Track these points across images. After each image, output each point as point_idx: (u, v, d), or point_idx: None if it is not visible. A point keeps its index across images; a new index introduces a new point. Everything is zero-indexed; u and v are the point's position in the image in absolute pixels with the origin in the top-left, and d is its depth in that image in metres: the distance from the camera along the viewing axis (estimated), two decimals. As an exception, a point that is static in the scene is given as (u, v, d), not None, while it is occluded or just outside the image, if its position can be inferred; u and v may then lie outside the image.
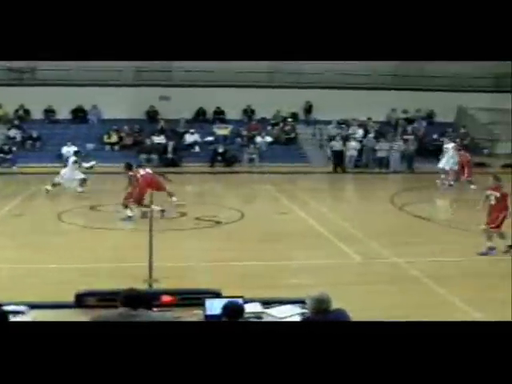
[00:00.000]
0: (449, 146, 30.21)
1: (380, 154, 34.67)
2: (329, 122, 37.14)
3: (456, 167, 28.76)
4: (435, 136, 37.77)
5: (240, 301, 7.33)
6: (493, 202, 15.89)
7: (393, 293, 12.67)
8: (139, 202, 19.72)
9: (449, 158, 29.37)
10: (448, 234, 18.63)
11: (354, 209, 23.03)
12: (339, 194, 28.07)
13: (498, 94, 40.28)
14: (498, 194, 15.83)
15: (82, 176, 23.84)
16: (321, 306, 7.19)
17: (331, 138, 35.34)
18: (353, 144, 34.66)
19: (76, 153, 25.63)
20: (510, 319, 10.69)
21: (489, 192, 16.10)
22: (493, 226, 15.83)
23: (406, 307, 11.58)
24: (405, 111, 39.86)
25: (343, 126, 37.04)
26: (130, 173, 20.14)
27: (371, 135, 36.02)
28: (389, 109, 39.55)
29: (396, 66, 37.72)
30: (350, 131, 36.38)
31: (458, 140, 32.70)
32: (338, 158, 34.11)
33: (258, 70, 35.59)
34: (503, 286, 13.30)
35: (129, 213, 19.44)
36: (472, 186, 26.52)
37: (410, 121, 39.53)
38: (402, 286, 13.22)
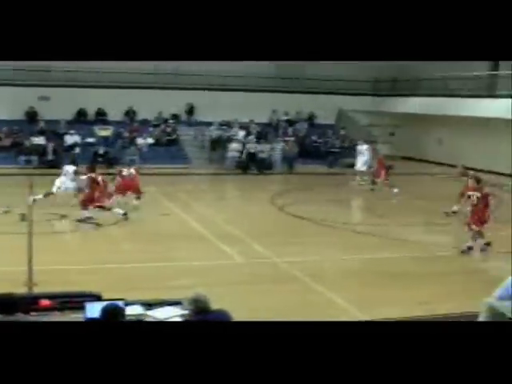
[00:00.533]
0: (363, 147, 30.90)
1: (261, 156, 34.95)
2: (210, 124, 37.21)
3: (371, 169, 29.28)
4: (314, 137, 38.50)
5: (120, 303, 7.28)
6: (475, 202, 16.67)
7: (274, 292, 12.83)
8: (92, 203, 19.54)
9: (365, 160, 30.13)
10: (328, 233, 19.00)
11: (236, 210, 23.18)
12: (221, 195, 28.16)
13: (377, 98, 41.37)
14: (478, 195, 16.61)
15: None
16: (198, 306, 7.23)
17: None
18: (234, 145, 34.82)
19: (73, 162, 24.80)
20: (389, 317, 11.06)
21: (470, 193, 16.88)
22: (479, 225, 16.64)
23: (288, 307, 11.76)
24: (286, 113, 40.36)
25: (225, 127, 37.17)
26: (91, 175, 19.76)
27: (252, 137, 36.30)
28: (270, 111, 39.92)
29: (277, 68, 38.25)
30: (231, 133, 36.53)
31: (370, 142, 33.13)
32: (252, 160, 34.44)
33: (140, 70, 35.37)
34: (383, 284, 13.73)
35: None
36: (395, 190, 26.62)
37: (291, 122, 40.04)
38: (282, 286, 13.41)
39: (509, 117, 29.73)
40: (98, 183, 19.45)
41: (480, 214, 16.67)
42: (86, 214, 19.17)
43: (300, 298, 12.59)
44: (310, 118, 41.36)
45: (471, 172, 22.08)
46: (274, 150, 35.28)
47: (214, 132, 36.67)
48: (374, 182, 27.60)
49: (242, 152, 34.91)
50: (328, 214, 21.48)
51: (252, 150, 34.69)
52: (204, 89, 37.87)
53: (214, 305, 7.54)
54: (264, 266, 14.95)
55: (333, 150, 37.17)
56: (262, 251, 16.26)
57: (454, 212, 20.87)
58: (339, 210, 23.21)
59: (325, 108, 40.21)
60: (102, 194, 19.52)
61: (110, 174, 22.78)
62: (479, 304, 10.21)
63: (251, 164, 34.41)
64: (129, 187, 21.42)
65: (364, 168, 29.86)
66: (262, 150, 35.05)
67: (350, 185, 29.17)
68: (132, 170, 22.07)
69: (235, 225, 19.41)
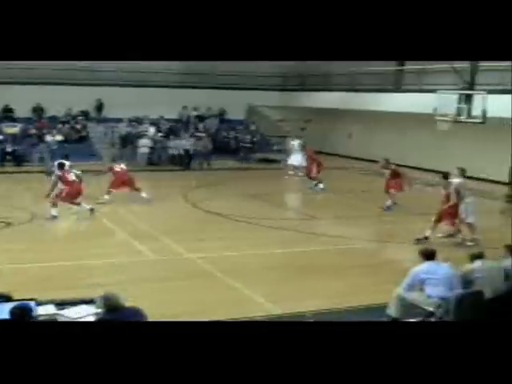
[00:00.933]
0: (294, 142, 31.71)
1: (172, 152, 34.74)
2: (120, 120, 36.84)
3: (304, 163, 29.67)
4: (225, 133, 38.59)
5: (31, 303, 7.18)
6: (443, 200, 17.55)
7: (188, 288, 12.84)
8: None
9: (296, 155, 30.95)
10: (243, 228, 19.03)
11: (149, 207, 23.00)
12: (133, 192, 27.81)
13: (287, 93, 41.68)
14: (445, 193, 17.55)
15: None
16: (108, 304, 7.22)
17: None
18: (144, 141, 34.53)
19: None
20: (302, 310, 11.19)
21: (443, 191, 17.68)
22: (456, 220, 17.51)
23: (202, 303, 11.77)
24: (196, 109, 40.28)
25: (134, 123, 36.85)
26: (59, 173, 19.71)
27: (162, 133, 36.10)
28: (180, 107, 39.78)
29: (187, 63, 38.15)
30: (141, 129, 36.22)
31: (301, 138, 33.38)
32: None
33: (48, 66, 34.79)
34: (298, 278, 13.86)
35: (54, 212, 19.08)
36: (320, 185, 27.02)
37: (201, 118, 40.01)
38: (196, 282, 13.43)
39: (414, 110, 30.39)
40: (68, 180, 19.30)
41: (450, 211, 17.31)
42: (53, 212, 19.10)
43: (215, 293, 12.61)
44: (221, 114, 41.42)
45: (393, 166, 22.61)
46: (186, 145, 35.02)
47: (123, 128, 36.33)
48: (310, 178, 27.95)
49: (152, 148, 34.68)
50: (242, 209, 21.56)
51: (187, 147, 34.56)
52: (113, 85, 37.53)
53: (128, 302, 7.51)
54: (178, 263, 14.93)
55: (244, 145, 37.27)
56: (175, 248, 16.21)
57: (389, 207, 21.64)
58: (253, 204, 23.30)
59: (235, 103, 40.32)
60: (73, 190, 19.61)
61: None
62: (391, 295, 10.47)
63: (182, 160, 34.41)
64: (124, 183, 22.07)
65: (296, 163, 30.86)
66: (173, 145, 34.81)
67: (283, 178, 29.97)
68: (123, 166, 22.60)
69: (148, 222, 19.31)
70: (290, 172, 30.88)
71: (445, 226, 17.61)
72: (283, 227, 19.17)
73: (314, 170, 27.69)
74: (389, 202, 21.89)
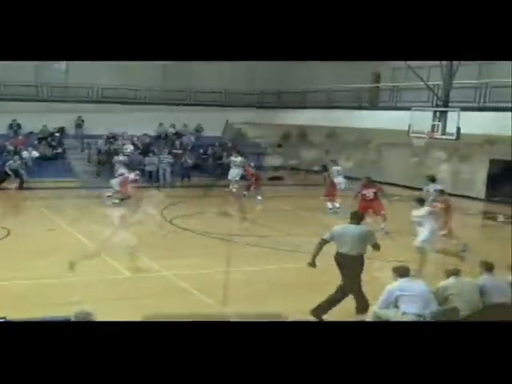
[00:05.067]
0: (237, 159, 32.76)
1: (149, 168, 34.58)
2: (97, 137, 36.69)
3: (238, 178, 31.95)
4: (202, 150, 38.58)
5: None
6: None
7: (163, 306, 12.76)
8: None
9: (237, 171, 32.35)
10: (215, 245, 19.02)
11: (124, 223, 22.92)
12: (109, 209, 27.66)
13: (263, 110, 41.75)
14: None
15: None
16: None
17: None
18: (121, 158, 34.29)
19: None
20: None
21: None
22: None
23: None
24: (173, 126, 40.26)
25: (112, 140, 36.70)
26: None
27: (138, 150, 35.99)
28: (157, 123, 39.72)
29: (164, 80, 38.36)
30: (119, 146, 36.04)
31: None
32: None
33: (24, 83, 34.83)
34: (273, 295, 13.79)
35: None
36: (259, 197, 29.13)
37: (178, 135, 40.01)
38: (172, 299, 13.40)
39: (388, 127, 30.64)
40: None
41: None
42: None
43: (190, 310, 12.58)
44: (197, 131, 41.46)
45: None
46: (162, 162, 34.88)
47: (101, 145, 36.18)
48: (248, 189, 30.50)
49: (128, 165, 34.44)
50: (216, 226, 21.55)
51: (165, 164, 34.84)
52: (90, 102, 37.52)
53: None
54: (152, 280, 14.92)
55: (221, 162, 37.23)
56: (150, 265, 16.19)
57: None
58: (228, 222, 23.31)
59: (212, 120, 40.36)
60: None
61: None
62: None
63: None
64: None
65: (237, 177, 32.32)
66: (150, 162, 34.67)
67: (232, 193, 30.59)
68: None
69: (124, 238, 19.18)
70: (231, 187, 32.14)
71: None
72: (257, 243, 19.14)
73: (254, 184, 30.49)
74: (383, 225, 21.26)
